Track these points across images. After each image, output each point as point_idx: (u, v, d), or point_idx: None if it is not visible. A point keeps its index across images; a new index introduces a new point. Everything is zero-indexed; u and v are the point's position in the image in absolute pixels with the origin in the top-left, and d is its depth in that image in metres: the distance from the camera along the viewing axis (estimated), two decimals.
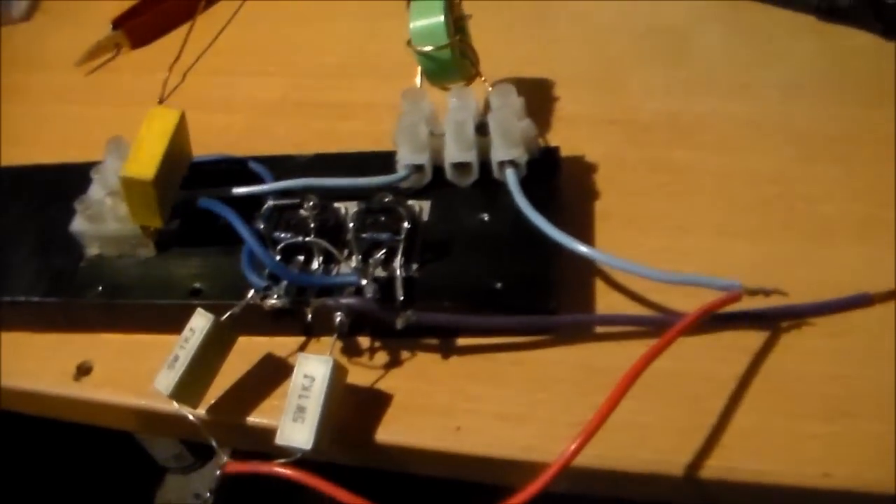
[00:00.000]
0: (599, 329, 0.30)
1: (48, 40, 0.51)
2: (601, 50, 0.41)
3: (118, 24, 0.47)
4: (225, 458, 0.29)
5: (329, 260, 0.31)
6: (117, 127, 0.35)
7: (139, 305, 0.33)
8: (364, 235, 0.30)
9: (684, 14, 0.42)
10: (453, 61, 0.34)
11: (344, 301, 0.29)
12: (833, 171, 0.33)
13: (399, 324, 0.28)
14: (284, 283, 0.30)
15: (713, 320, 0.29)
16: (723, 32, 0.41)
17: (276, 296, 0.30)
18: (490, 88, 0.34)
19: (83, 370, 0.33)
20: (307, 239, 0.30)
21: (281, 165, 0.35)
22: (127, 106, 0.44)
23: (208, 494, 0.29)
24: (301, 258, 0.31)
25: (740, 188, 0.34)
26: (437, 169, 0.33)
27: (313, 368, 0.28)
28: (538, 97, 0.36)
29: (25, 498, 0.74)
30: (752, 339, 0.29)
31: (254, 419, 0.30)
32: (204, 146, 0.35)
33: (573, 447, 0.25)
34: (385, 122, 0.37)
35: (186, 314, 0.30)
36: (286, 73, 0.44)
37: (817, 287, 0.29)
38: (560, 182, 0.33)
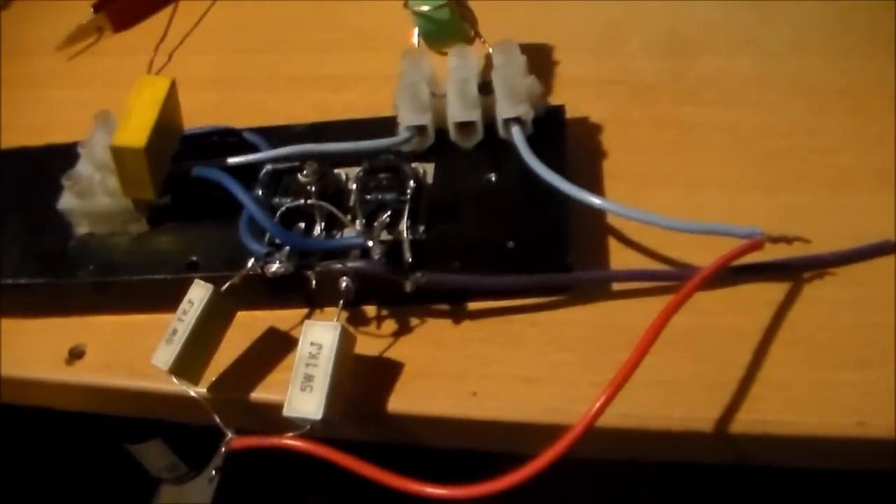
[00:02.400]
0: (616, 287, 0.29)
1: (27, 27, 0.49)
2: (598, 14, 0.40)
3: (99, 7, 0.45)
4: (230, 435, 0.28)
5: (331, 226, 0.30)
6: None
7: (133, 282, 0.31)
8: (368, 197, 0.29)
9: None
10: (451, 21, 0.33)
11: (351, 265, 0.27)
12: (843, 123, 0.33)
13: (408, 286, 0.27)
14: (286, 249, 0.28)
15: (733, 273, 0.28)
16: None
17: (277, 262, 0.28)
18: (491, 49, 0.33)
19: (76, 354, 0.32)
20: (310, 202, 0.29)
21: (276, 135, 0.33)
22: (111, 88, 0.42)
23: (214, 473, 0.28)
24: (302, 225, 0.30)
25: (751, 142, 0.33)
26: (440, 132, 0.32)
27: (320, 335, 0.27)
28: (538, 61, 0.35)
29: None
30: (774, 290, 0.28)
31: (258, 395, 0.29)
32: (195, 123, 0.34)
33: (598, 405, 0.24)
34: (380, 92, 0.36)
35: (183, 289, 0.29)
36: (276, 50, 0.43)
37: (836, 237, 0.28)
38: (567, 140, 0.31)
